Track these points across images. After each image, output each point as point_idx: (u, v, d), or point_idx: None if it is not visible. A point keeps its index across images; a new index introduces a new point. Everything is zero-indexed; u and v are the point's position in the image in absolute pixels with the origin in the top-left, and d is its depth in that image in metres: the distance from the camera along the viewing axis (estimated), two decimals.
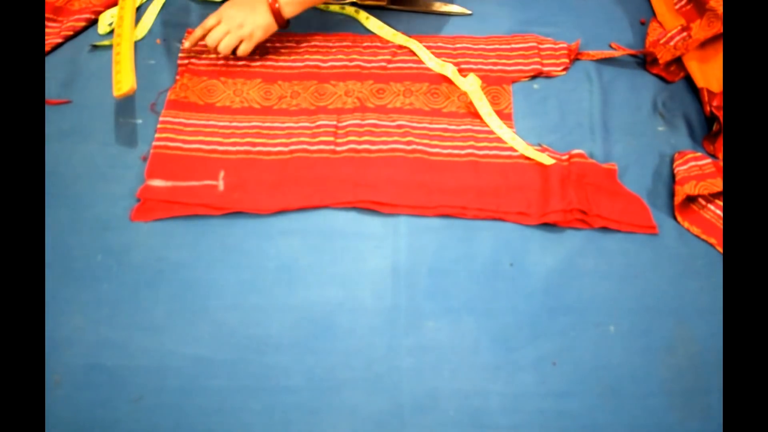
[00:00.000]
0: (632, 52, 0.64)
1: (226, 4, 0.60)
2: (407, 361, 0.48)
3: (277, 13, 0.58)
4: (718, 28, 0.59)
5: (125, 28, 0.61)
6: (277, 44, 0.65)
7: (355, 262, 0.52)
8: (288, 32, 0.66)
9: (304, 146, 0.57)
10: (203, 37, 0.60)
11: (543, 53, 0.65)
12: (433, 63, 0.63)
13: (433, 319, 0.50)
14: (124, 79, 0.55)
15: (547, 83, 0.64)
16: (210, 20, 0.59)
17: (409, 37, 0.66)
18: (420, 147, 0.57)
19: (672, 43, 0.63)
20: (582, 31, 0.67)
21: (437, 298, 0.50)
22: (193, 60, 0.63)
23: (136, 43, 0.64)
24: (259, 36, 0.59)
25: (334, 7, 0.68)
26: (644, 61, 0.65)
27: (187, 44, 0.61)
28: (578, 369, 0.48)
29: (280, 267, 0.51)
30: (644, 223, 0.54)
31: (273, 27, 0.60)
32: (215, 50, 0.60)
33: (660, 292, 0.51)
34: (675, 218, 0.55)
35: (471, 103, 0.60)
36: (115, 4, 0.67)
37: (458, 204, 0.54)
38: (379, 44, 0.65)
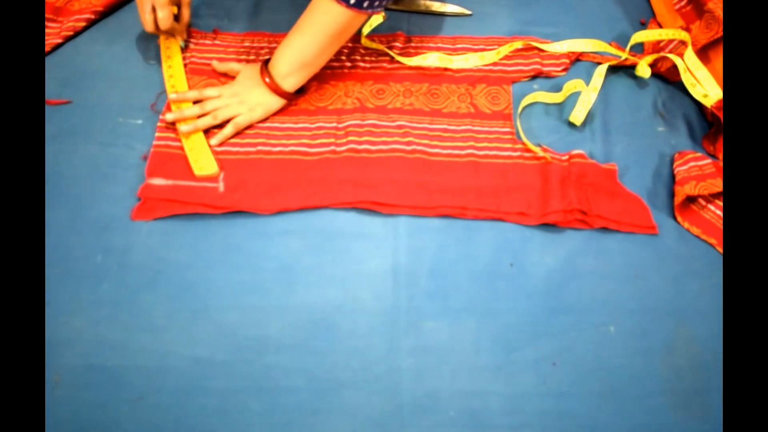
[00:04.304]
0: (632, 60, 0.64)
1: (229, 83, 0.59)
2: (407, 362, 0.48)
3: (277, 90, 0.56)
4: (716, 31, 0.59)
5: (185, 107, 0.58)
6: (277, 45, 0.65)
7: (355, 263, 0.52)
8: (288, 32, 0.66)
9: (304, 147, 0.57)
10: (194, 101, 0.57)
11: (543, 53, 0.65)
12: (472, 61, 0.64)
13: (434, 319, 0.50)
14: (205, 165, 0.54)
15: (547, 83, 0.64)
16: (209, 90, 0.57)
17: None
18: (420, 147, 0.57)
19: (669, 48, 0.63)
20: (582, 31, 0.67)
21: (437, 298, 0.50)
22: (193, 59, 0.63)
23: (135, 41, 0.65)
24: (259, 114, 0.57)
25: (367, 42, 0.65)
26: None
27: (170, 116, 0.56)
28: (578, 369, 0.48)
29: (280, 267, 0.51)
30: (644, 224, 0.54)
31: (276, 104, 0.57)
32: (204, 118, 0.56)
33: (660, 292, 0.51)
34: (675, 218, 0.55)
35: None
36: (115, 4, 0.67)
37: (458, 204, 0.54)
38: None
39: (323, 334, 0.49)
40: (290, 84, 0.57)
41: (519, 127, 0.59)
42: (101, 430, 0.44)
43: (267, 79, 0.56)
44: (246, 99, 0.57)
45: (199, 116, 0.56)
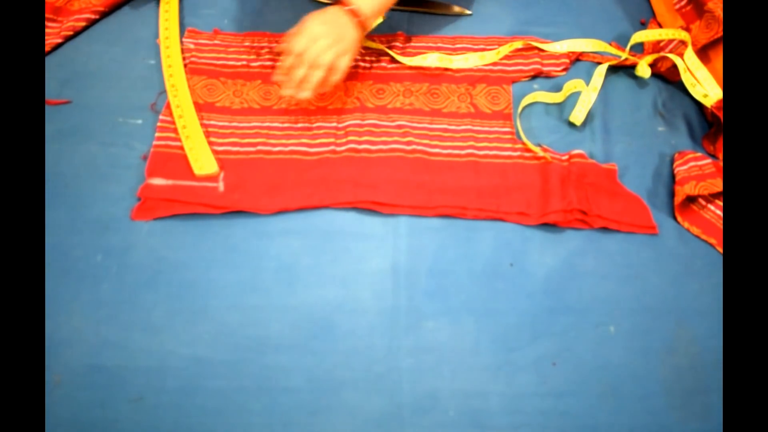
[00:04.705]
0: (632, 60, 0.64)
1: (309, 24, 0.53)
2: (407, 362, 0.48)
3: (362, 27, 0.55)
4: (716, 31, 0.59)
5: (182, 97, 0.59)
6: (277, 44, 0.65)
7: (355, 262, 0.52)
8: (287, 33, 0.66)
9: (304, 147, 0.57)
10: (293, 64, 0.53)
11: (543, 53, 0.65)
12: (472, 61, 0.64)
13: (433, 319, 0.50)
14: (205, 165, 0.54)
15: (547, 83, 0.64)
16: (300, 41, 0.52)
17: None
18: (420, 147, 0.57)
19: (669, 48, 0.63)
20: (582, 31, 0.67)
21: (437, 298, 0.50)
22: (193, 59, 0.63)
23: (135, 41, 0.65)
24: (352, 53, 0.55)
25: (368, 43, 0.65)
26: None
27: (287, 92, 0.54)
28: (578, 369, 0.48)
29: (280, 267, 0.51)
30: (644, 223, 0.54)
31: (357, 43, 0.55)
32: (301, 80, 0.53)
33: (660, 292, 0.51)
34: (675, 218, 0.55)
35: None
36: (115, 4, 0.67)
37: (458, 204, 0.54)
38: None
39: (323, 334, 0.49)
40: (371, 24, 0.56)
41: (519, 126, 0.59)
42: (101, 430, 0.44)
43: (360, 17, 0.54)
44: (339, 38, 0.53)
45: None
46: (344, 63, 0.54)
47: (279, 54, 0.54)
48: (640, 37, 0.63)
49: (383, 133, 0.58)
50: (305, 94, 0.53)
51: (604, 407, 0.46)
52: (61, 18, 0.65)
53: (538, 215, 0.54)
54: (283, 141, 0.57)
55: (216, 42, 0.65)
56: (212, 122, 0.58)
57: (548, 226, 0.54)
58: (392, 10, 0.69)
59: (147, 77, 0.62)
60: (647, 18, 0.69)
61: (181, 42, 0.64)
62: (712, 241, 0.53)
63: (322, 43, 0.52)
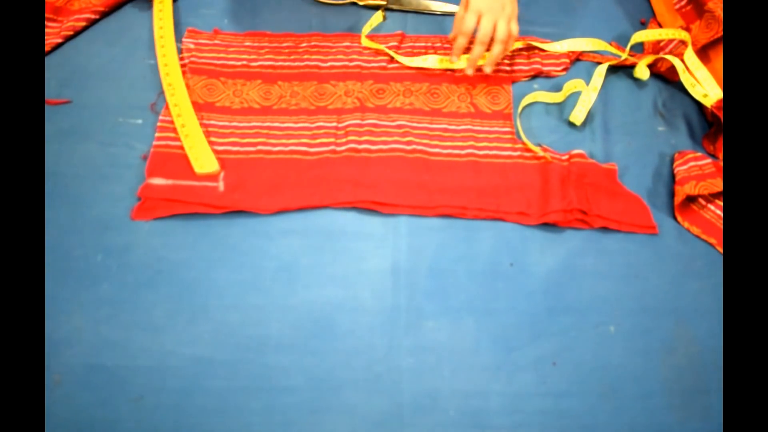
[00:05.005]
0: (632, 60, 0.64)
1: (471, 1, 0.55)
2: (407, 361, 0.48)
3: None
4: (716, 31, 0.59)
5: (180, 96, 0.58)
6: (277, 44, 0.65)
7: (355, 262, 0.52)
8: (288, 32, 0.66)
9: (304, 147, 0.57)
10: (469, 42, 0.56)
11: (543, 53, 0.65)
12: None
13: (433, 319, 0.50)
14: (206, 163, 0.54)
15: (547, 83, 0.64)
16: (468, 19, 0.55)
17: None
18: (420, 147, 0.57)
19: (669, 48, 0.63)
20: (582, 31, 0.67)
21: (437, 298, 0.50)
22: (193, 58, 0.63)
23: (135, 41, 0.65)
24: (516, 9, 0.56)
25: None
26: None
27: (470, 71, 0.58)
28: (578, 369, 0.48)
29: (280, 267, 0.51)
30: (644, 223, 0.54)
31: None
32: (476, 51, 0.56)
33: (660, 292, 0.51)
34: (675, 218, 0.55)
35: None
36: (116, 3, 0.67)
37: (458, 204, 0.54)
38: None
39: (323, 334, 0.49)
40: None
41: (519, 126, 0.59)
42: (101, 430, 0.44)
43: None
44: (502, 5, 0.55)
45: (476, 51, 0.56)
46: (515, 28, 0.56)
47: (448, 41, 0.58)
48: (640, 37, 0.63)
49: (383, 133, 0.58)
50: (488, 69, 0.58)
51: (604, 407, 0.46)
52: (61, 18, 0.65)
53: (538, 215, 0.54)
54: (283, 141, 0.57)
55: (216, 42, 0.65)
56: (212, 122, 0.58)
57: (548, 226, 0.54)
58: (392, 10, 0.69)
59: (147, 77, 0.62)
60: (647, 18, 0.69)
61: (181, 42, 0.64)
62: (712, 241, 0.53)
63: (489, 18, 0.54)
